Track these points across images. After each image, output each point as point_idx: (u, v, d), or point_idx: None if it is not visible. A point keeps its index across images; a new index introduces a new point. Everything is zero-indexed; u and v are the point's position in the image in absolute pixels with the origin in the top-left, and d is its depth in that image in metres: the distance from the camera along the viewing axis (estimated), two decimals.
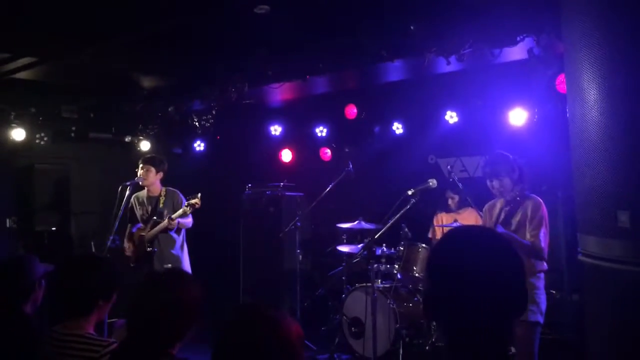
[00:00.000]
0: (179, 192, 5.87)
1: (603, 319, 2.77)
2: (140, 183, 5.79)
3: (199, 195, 5.51)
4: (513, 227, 4.06)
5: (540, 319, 4.03)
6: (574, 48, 2.93)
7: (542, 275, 4.10)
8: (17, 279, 2.79)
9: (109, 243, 5.37)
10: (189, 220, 5.75)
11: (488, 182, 4.25)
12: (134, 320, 2.03)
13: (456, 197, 6.44)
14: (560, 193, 6.11)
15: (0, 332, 2.69)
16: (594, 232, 2.78)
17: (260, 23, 5.19)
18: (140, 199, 5.92)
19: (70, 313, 2.47)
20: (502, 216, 4.15)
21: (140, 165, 5.80)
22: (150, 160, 5.85)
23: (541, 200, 4.12)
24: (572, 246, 5.32)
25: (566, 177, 3.50)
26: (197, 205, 5.50)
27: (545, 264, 4.09)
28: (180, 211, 5.53)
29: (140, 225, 5.85)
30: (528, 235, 4.02)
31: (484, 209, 4.51)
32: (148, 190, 5.88)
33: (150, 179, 5.79)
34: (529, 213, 4.06)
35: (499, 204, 4.34)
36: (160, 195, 5.83)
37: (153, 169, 5.78)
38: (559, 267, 6.03)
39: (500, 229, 3.96)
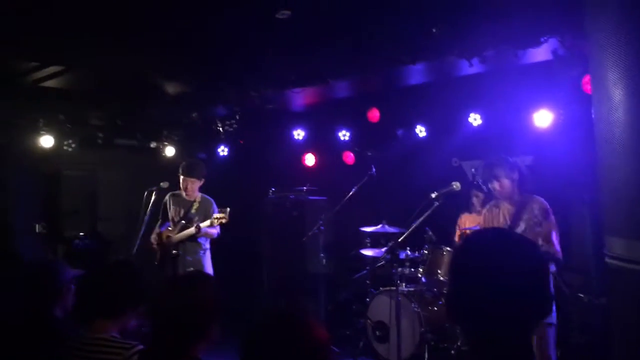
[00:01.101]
0: (213, 202, 5.91)
1: (629, 322, 2.72)
2: (186, 196, 5.87)
3: (228, 210, 5.54)
4: (522, 227, 4.08)
5: (554, 320, 4.02)
6: (599, 48, 2.89)
7: (550, 276, 4.11)
8: (46, 283, 2.85)
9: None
10: (214, 231, 5.78)
11: (490, 186, 4.36)
12: (154, 321, 2.06)
13: (481, 195, 6.35)
14: (587, 195, 6.02)
15: (29, 335, 2.74)
16: (620, 234, 2.73)
17: (282, 28, 5.22)
18: (176, 199, 5.99)
19: (97, 315, 2.51)
20: (509, 219, 4.16)
21: (182, 178, 5.82)
22: (193, 173, 5.84)
23: (546, 202, 4.18)
24: (599, 249, 5.25)
25: (593, 179, 3.46)
26: (224, 221, 5.52)
27: (554, 265, 4.14)
28: (207, 222, 5.59)
29: (169, 224, 5.93)
30: (540, 240, 4.03)
31: (483, 211, 4.55)
32: (185, 194, 5.94)
33: (195, 190, 5.88)
34: (537, 214, 4.07)
35: (501, 205, 4.36)
36: (195, 200, 5.89)
37: (197, 182, 5.86)
38: (587, 270, 5.94)
39: None
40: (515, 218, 4.16)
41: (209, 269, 5.86)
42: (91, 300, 2.55)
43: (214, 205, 5.85)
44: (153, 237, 5.94)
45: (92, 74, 6.59)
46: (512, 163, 4.31)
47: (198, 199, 5.90)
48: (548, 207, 4.17)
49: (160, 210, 5.99)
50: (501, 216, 4.35)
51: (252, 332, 1.65)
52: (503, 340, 1.36)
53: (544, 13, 4.61)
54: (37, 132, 7.22)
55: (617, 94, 2.73)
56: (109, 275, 2.60)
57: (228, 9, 4.81)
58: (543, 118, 5.87)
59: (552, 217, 4.12)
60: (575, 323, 5.76)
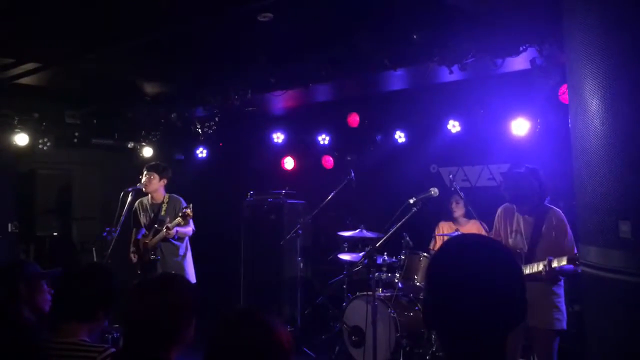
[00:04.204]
0: (181, 199, 5.85)
1: (603, 329, 2.76)
2: (143, 189, 5.78)
3: (191, 205, 5.53)
4: (542, 238, 4.00)
5: (565, 326, 4.02)
6: (576, 58, 2.93)
7: (562, 282, 4.12)
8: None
9: (105, 234, 5.35)
10: (188, 229, 5.73)
11: (507, 194, 4.22)
12: (126, 324, 2.03)
13: (461, 202, 6.32)
14: (562, 203, 6.07)
15: None
16: (595, 242, 2.77)
17: (264, 30, 5.20)
18: (144, 206, 5.92)
19: (67, 318, 2.45)
20: (524, 228, 4.11)
21: (145, 172, 5.81)
22: (154, 167, 5.84)
23: (560, 211, 4.10)
24: None
25: (568, 188, 3.49)
26: (189, 217, 5.49)
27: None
28: (175, 221, 5.53)
29: (144, 231, 5.86)
30: (564, 247, 3.96)
31: (497, 213, 4.39)
32: (151, 197, 5.87)
33: (153, 186, 5.79)
34: (554, 224, 4.01)
35: (516, 212, 4.25)
36: (162, 202, 5.82)
37: (157, 176, 5.78)
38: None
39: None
40: (537, 228, 4.04)
41: (190, 273, 5.81)
42: (66, 303, 2.49)
43: (183, 202, 5.78)
44: (132, 248, 5.87)
45: (69, 72, 6.49)
46: (531, 177, 4.10)
47: (166, 200, 5.83)
48: (562, 215, 4.05)
49: (131, 219, 5.92)
50: (515, 223, 4.22)
51: (215, 331, 1.68)
52: (478, 347, 1.35)
53: (523, 23, 4.66)
54: (11, 129, 7.09)
55: (593, 104, 2.77)
56: (85, 277, 2.55)
57: (210, 11, 4.78)
58: (520, 126, 5.94)
59: (568, 224, 3.99)
60: None
